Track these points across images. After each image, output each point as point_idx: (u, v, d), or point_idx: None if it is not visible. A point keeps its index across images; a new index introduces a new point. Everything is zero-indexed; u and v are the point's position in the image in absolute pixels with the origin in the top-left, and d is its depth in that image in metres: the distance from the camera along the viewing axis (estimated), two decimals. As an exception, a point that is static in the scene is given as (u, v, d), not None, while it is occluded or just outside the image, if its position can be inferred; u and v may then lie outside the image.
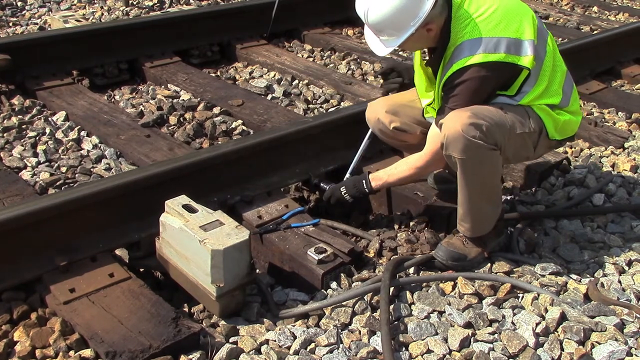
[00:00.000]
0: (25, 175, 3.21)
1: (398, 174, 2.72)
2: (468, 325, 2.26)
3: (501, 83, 2.42)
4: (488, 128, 2.31)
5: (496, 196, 2.55)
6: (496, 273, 2.54)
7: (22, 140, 3.54)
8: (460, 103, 2.39)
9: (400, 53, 4.94)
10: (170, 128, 3.76)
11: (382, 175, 2.77)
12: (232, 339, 2.23)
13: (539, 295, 2.37)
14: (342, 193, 2.82)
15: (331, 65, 4.98)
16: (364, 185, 2.77)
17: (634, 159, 3.48)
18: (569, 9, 6.91)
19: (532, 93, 2.45)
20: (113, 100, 4.24)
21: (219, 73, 4.75)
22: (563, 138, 2.62)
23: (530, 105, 2.47)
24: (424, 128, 2.76)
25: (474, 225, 2.53)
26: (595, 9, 6.95)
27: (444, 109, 2.43)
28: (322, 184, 3.03)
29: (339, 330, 2.24)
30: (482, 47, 2.31)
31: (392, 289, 2.41)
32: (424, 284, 2.49)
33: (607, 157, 3.56)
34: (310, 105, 4.22)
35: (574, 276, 2.56)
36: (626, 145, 3.71)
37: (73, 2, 6.04)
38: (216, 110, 3.98)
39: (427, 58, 2.58)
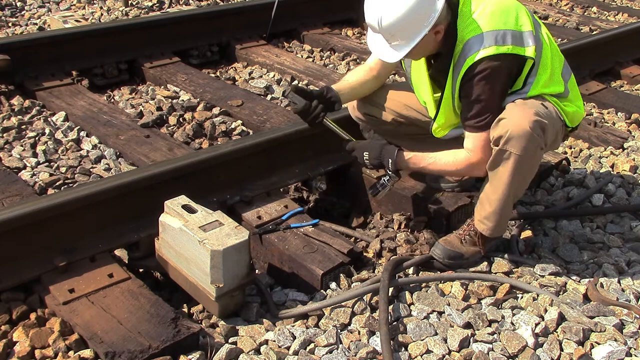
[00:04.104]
0: (25, 175, 3.20)
1: (438, 165, 2.51)
2: (467, 325, 2.26)
3: (512, 77, 2.40)
4: (547, 127, 2.33)
5: (520, 197, 2.54)
6: (495, 273, 2.55)
7: (22, 141, 3.54)
8: (486, 98, 2.34)
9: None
10: (169, 128, 3.76)
11: (417, 160, 2.53)
12: (231, 339, 2.23)
13: (538, 295, 2.37)
14: (365, 158, 2.57)
15: (330, 65, 4.98)
16: (389, 163, 2.52)
17: (634, 160, 3.48)
18: (568, 10, 6.91)
19: (537, 82, 2.42)
20: (112, 100, 4.24)
21: (218, 73, 4.75)
22: (571, 128, 2.62)
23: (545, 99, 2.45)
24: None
25: (497, 225, 2.50)
26: (594, 9, 6.95)
27: (471, 108, 2.37)
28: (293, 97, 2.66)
29: (339, 330, 2.24)
30: (492, 40, 2.31)
31: (391, 289, 2.41)
32: (423, 285, 2.49)
33: (607, 157, 3.56)
34: (310, 106, 4.22)
35: (573, 276, 2.56)
36: (625, 145, 3.72)
37: (72, 2, 6.04)
38: (216, 110, 3.98)
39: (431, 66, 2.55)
